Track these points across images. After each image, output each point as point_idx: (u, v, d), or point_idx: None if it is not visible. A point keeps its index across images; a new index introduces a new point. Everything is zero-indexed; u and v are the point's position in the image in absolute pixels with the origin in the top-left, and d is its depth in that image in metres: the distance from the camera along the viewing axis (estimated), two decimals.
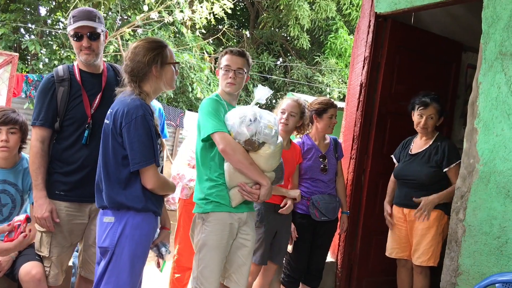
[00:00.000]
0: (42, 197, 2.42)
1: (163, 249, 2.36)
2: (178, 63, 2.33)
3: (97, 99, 2.53)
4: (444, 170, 3.27)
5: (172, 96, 11.63)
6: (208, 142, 2.48)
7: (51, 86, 2.49)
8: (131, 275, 2.12)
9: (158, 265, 2.46)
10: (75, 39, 2.50)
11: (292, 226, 3.29)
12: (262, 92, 2.53)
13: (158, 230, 2.39)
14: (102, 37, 2.57)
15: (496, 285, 2.39)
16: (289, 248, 3.34)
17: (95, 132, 2.46)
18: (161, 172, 2.31)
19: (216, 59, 2.92)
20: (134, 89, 2.17)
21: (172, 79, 2.29)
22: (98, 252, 2.23)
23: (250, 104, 2.54)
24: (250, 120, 2.41)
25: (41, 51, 10.41)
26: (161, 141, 2.32)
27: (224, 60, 2.63)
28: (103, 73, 2.61)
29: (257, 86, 2.62)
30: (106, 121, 2.20)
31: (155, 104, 3.44)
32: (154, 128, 2.16)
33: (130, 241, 2.12)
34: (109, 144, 2.14)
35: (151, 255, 2.38)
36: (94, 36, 2.51)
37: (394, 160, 3.64)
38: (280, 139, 2.57)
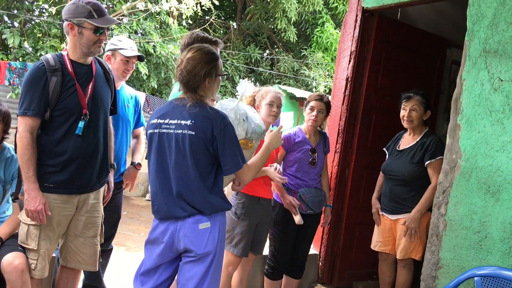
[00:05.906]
0: (34, 189, 2.35)
1: None
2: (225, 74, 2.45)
3: (89, 89, 2.49)
4: (425, 164, 3.27)
5: (156, 87, 11.52)
6: None
7: (43, 75, 2.38)
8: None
9: None
10: (98, 33, 2.44)
11: (296, 201, 3.31)
12: (245, 87, 2.58)
13: None
14: None
15: (475, 278, 2.44)
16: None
17: (90, 123, 2.46)
18: None
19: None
20: (192, 97, 2.22)
21: (217, 89, 2.37)
22: (186, 258, 2.23)
23: (231, 98, 2.58)
24: (243, 120, 2.47)
25: (24, 42, 10.17)
26: None
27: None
28: (92, 64, 2.58)
29: (243, 78, 2.65)
30: (188, 131, 2.17)
31: (133, 93, 3.39)
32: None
33: (222, 240, 2.27)
34: (198, 154, 2.18)
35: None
36: (108, 30, 2.56)
37: (387, 153, 3.63)
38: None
